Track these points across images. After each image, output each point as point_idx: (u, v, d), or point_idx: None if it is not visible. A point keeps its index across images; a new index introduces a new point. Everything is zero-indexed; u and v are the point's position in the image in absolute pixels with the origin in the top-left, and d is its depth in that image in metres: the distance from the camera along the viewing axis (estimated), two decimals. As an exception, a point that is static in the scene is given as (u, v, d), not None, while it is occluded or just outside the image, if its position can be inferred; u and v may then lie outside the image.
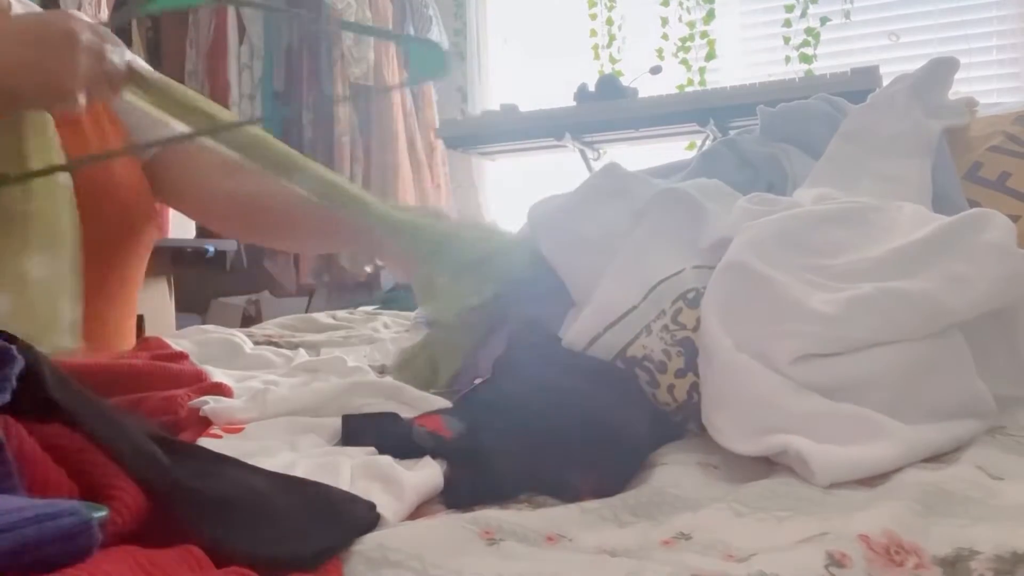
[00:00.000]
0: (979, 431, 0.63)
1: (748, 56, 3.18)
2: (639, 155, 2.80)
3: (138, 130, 0.99)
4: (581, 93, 2.55)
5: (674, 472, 0.61)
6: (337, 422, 0.67)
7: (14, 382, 0.40)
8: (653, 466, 0.62)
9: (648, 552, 0.49)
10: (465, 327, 0.79)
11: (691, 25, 3.12)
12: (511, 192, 3.31)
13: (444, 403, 0.72)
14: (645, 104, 2.46)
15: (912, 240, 0.68)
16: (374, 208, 0.82)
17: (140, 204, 0.99)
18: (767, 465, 0.62)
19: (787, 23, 3.01)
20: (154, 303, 2.32)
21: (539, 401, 0.65)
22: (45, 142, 0.80)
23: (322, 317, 1.37)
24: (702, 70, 3.11)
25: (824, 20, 2.97)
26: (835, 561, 0.45)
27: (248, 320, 3.10)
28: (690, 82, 3.11)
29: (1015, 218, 0.73)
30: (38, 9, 0.97)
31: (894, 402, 0.62)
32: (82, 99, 0.75)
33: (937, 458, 0.60)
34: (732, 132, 1.77)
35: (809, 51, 2.99)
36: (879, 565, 0.45)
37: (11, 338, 0.42)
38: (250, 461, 0.53)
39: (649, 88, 2.64)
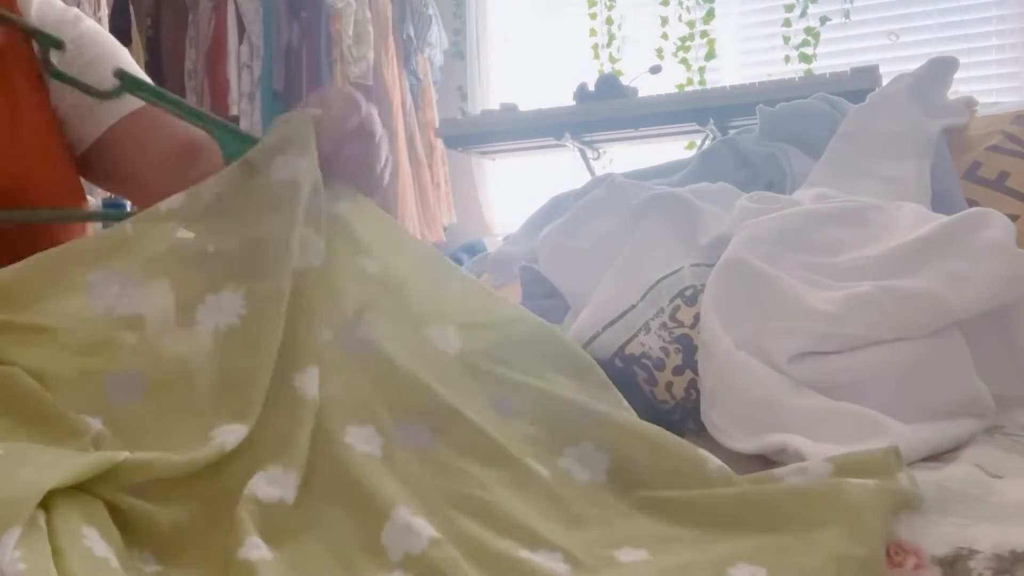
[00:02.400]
0: (978, 430, 0.63)
1: (748, 56, 3.17)
2: (639, 155, 2.79)
3: (73, 120, 0.86)
4: (581, 93, 2.55)
5: (673, 471, 0.60)
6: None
7: None
8: (652, 465, 0.62)
9: (647, 551, 0.49)
10: None
11: (691, 24, 3.12)
12: (511, 192, 3.30)
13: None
14: (645, 104, 2.46)
15: (911, 239, 0.68)
16: None
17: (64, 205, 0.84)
18: (766, 464, 0.62)
19: (787, 23, 3.01)
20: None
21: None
22: None
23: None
24: (702, 69, 3.11)
25: (824, 20, 2.97)
26: (835, 560, 0.45)
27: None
28: (690, 81, 3.11)
29: (1014, 217, 0.73)
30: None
31: (893, 401, 0.62)
32: None
33: (936, 457, 0.60)
34: (732, 131, 1.77)
35: (809, 51, 2.99)
36: (878, 564, 0.45)
37: None
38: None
39: (649, 88, 2.63)
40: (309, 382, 0.54)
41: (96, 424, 0.50)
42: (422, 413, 0.56)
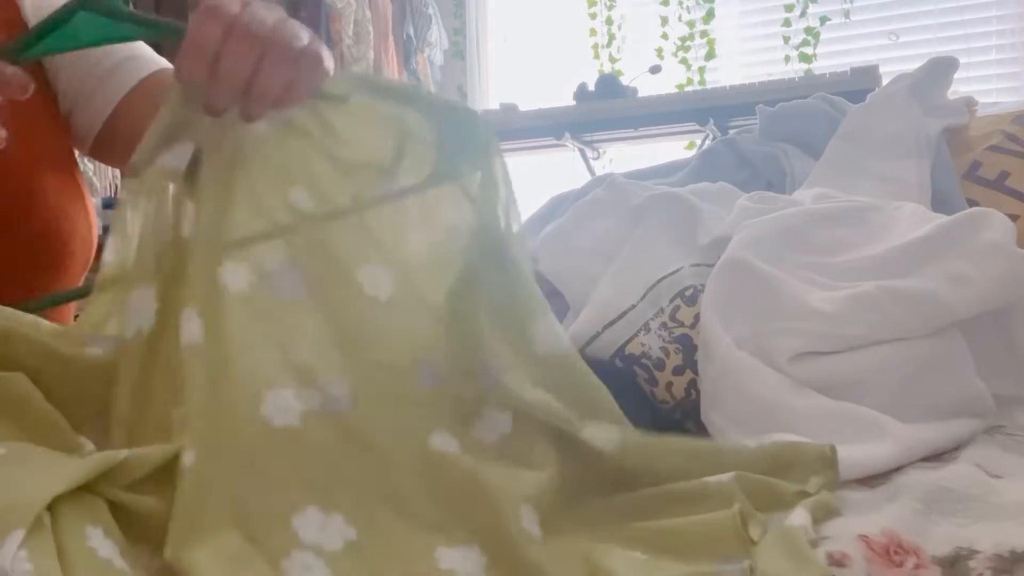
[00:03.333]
0: (978, 430, 0.63)
1: (748, 56, 3.17)
2: (639, 154, 2.79)
3: (81, 102, 0.83)
4: (581, 92, 2.55)
5: (673, 471, 0.60)
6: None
7: None
8: (652, 465, 0.62)
9: (647, 551, 0.49)
10: None
11: (691, 24, 3.12)
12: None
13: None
14: (645, 103, 2.46)
15: (912, 239, 0.68)
16: None
17: (71, 214, 0.80)
18: (766, 464, 0.62)
19: (787, 22, 3.01)
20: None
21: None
22: None
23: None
24: (702, 69, 3.11)
25: (824, 20, 2.97)
26: (835, 561, 0.45)
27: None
28: (690, 81, 3.11)
29: (1014, 217, 0.73)
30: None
31: (893, 401, 0.62)
32: None
33: (936, 457, 0.60)
34: (732, 131, 1.77)
35: (809, 51, 2.99)
36: (879, 565, 0.45)
37: None
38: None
39: (649, 87, 2.63)
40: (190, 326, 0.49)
41: (89, 445, 0.49)
42: (343, 372, 0.53)
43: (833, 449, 0.55)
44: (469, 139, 0.58)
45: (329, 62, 0.57)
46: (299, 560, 0.44)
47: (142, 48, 0.85)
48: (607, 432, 0.55)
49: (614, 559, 0.47)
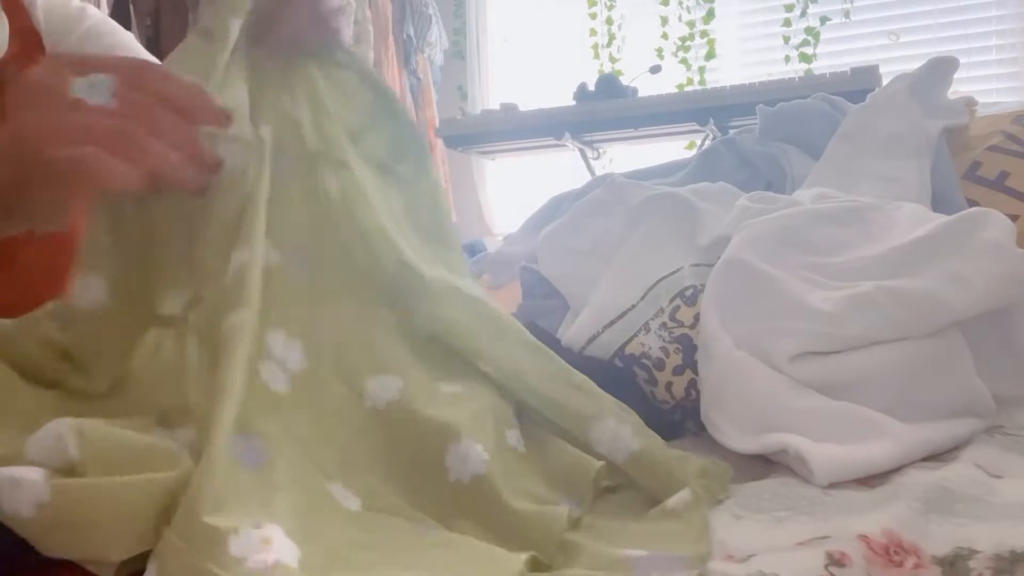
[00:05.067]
0: (978, 430, 0.63)
1: (748, 55, 3.18)
2: (639, 154, 2.80)
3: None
4: (581, 92, 2.56)
5: (673, 471, 0.60)
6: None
7: None
8: (652, 465, 0.62)
9: (646, 551, 0.49)
10: None
11: (691, 24, 3.13)
12: (511, 192, 3.31)
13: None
14: (645, 103, 2.46)
15: (912, 239, 0.68)
16: None
17: None
18: (766, 464, 0.62)
19: (787, 22, 3.02)
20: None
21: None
22: None
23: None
24: (702, 69, 3.12)
25: (824, 19, 2.98)
26: (835, 561, 0.45)
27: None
28: (690, 81, 3.11)
29: (1014, 217, 0.73)
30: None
31: (893, 401, 0.62)
32: None
33: (936, 457, 0.60)
34: (732, 131, 1.77)
35: (809, 50, 2.99)
36: (878, 565, 0.45)
37: None
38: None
39: (649, 87, 2.64)
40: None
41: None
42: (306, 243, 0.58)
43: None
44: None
45: (348, 30, 0.63)
46: (268, 368, 0.51)
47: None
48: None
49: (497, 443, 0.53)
